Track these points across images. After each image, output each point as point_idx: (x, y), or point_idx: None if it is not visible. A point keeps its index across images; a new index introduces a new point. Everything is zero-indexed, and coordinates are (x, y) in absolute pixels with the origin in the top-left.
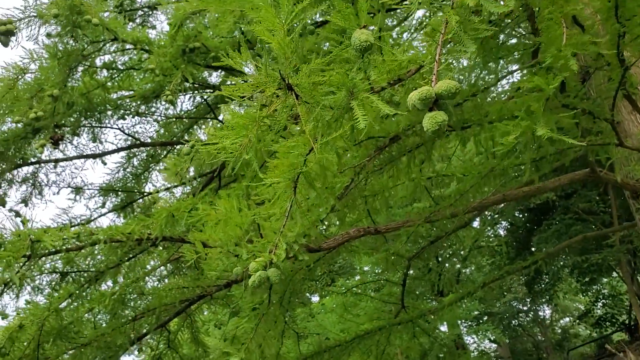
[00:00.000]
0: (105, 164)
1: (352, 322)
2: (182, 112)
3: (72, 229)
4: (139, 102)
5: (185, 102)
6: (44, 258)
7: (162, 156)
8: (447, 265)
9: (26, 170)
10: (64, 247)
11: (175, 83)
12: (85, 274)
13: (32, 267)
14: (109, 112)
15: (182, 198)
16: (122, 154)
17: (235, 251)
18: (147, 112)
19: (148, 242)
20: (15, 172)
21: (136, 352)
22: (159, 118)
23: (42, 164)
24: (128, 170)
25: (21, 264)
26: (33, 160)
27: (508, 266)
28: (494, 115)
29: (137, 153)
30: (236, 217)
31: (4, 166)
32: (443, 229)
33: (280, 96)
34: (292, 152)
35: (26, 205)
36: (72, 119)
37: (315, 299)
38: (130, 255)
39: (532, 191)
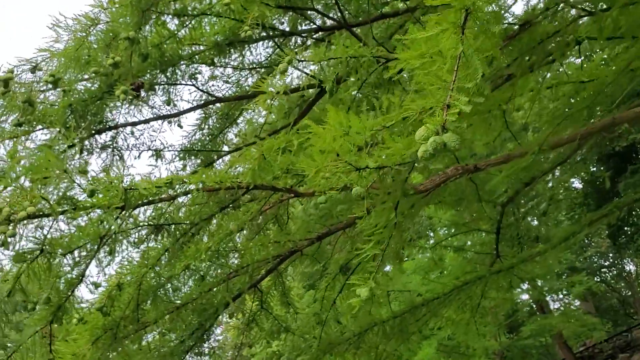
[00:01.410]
0: (181, 127)
1: (436, 283)
2: (254, 64)
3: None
4: (212, 52)
5: (257, 52)
6: (137, 210)
7: (237, 114)
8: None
9: (104, 137)
10: (157, 198)
11: (253, 17)
12: (180, 227)
13: (126, 219)
14: (183, 67)
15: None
16: (198, 114)
17: (358, 163)
18: (220, 63)
19: (239, 190)
20: (93, 140)
21: (226, 317)
22: (231, 73)
23: (120, 129)
24: (205, 131)
25: (116, 215)
26: (111, 125)
27: (617, 200)
28: None
29: (211, 114)
30: (356, 123)
31: (83, 133)
32: (538, 169)
33: None
34: None
35: (108, 174)
36: (147, 76)
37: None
38: (223, 206)
39: None
